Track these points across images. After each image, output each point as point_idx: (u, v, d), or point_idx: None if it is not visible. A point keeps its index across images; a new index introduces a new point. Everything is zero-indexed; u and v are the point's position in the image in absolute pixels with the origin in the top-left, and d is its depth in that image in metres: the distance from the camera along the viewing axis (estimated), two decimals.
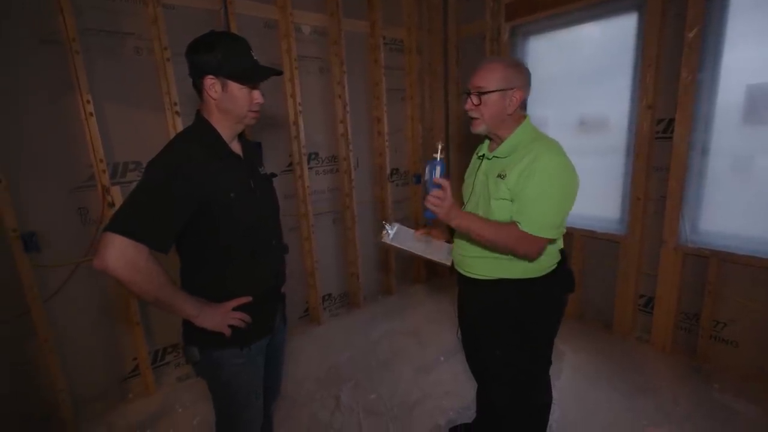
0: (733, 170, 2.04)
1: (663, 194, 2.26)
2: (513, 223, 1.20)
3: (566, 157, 1.23)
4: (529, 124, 1.31)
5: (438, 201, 1.14)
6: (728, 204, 2.08)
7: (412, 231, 1.56)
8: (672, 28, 2.11)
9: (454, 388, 2.17)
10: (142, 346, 2.14)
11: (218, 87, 1.04)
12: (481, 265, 1.34)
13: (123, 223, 0.92)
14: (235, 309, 1.11)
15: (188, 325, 1.10)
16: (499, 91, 1.22)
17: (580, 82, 2.54)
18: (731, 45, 1.95)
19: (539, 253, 1.23)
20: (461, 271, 1.43)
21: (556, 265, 1.34)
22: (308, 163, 2.76)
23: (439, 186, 1.15)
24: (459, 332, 1.62)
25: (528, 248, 1.20)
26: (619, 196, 2.47)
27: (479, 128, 1.29)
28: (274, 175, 1.34)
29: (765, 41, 1.86)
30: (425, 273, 3.67)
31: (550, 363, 1.41)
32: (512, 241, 1.18)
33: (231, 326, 1.10)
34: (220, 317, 1.09)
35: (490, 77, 1.22)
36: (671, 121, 2.18)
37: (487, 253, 1.30)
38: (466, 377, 2.21)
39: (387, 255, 3.31)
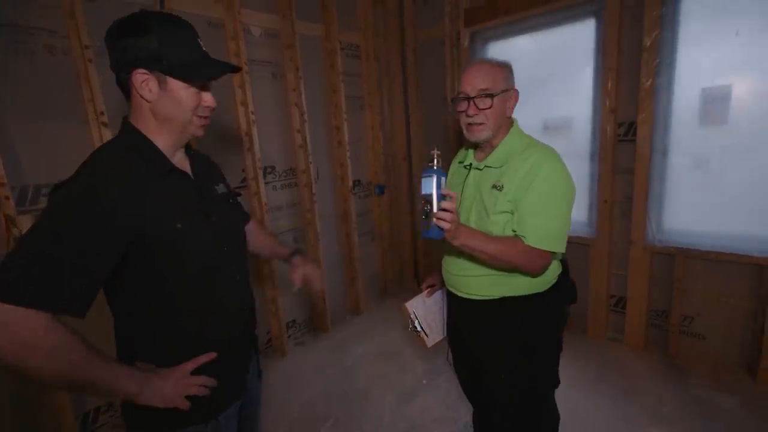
0: (692, 170, 2.12)
1: (629, 196, 2.30)
2: (517, 238, 1.08)
3: (564, 164, 1.15)
4: (518, 129, 1.23)
5: (450, 216, 0.97)
6: (689, 202, 2.16)
7: (420, 296, 1.49)
8: (630, 33, 2.16)
9: (443, 413, 2.01)
10: (67, 410, 1.74)
11: (153, 85, 0.79)
12: (482, 284, 1.21)
13: (7, 285, 0.64)
14: (194, 372, 0.86)
15: (129, 405, 0.83)
16: (504, 92, 1.12)
17: (542, 87, 2.54)
18: (685, 50, 2.03)
19: (544, 268, 1.12)
20: (456, 292, 1.29)
21: (557, 278, 1.25)
22: (264, 177, 2.49)
23: (442, 197, 0.98)
24: (450, 356, 1.49)
25: (534, 264, 1.09)
26: (587, 200, 2.49)
27: (482, 134, 1.16)
28: (237, 194, 1.10)
29: (715, 45, 1.95)
30: (394, 286, 3.52)
31: (558, 382, 1.30)
32: (517, 257, 1.07)
33: (191, 396, 0.85)
34: (173, 387, 0.82)
35: (496, 78, 1.13)
36: (632, 124, 2.24)
37: (488, 270, 1.17)
38: (454, 399, 2.07)
39: (353, 271, 3.10)
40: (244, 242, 1.07)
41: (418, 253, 3.53)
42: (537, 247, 1.06)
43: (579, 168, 2.48)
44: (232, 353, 0.95)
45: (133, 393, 0.78)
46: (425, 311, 1.47)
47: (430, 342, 1.47)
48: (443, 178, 0.99)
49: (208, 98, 0.87)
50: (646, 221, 2.25)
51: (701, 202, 2.12)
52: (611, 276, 2.48)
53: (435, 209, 0.97)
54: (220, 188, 1.02)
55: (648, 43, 2.07)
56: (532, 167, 1.09)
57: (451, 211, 0.97)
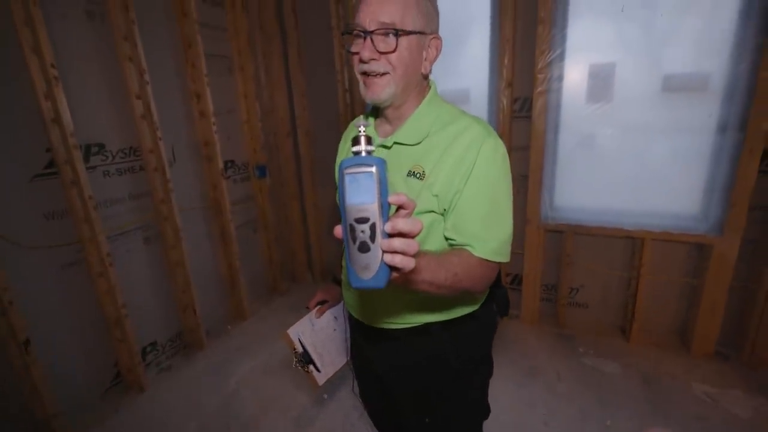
0: (580, 147, 2.15)
1: (524, 174, 2.26)
2: (462, 250, 0.79)
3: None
4: (438, 95, 0.92)
5: (412, 246, 0.53)
6: (577, 179, 2.20)
7: (307, 318, 1.17)
8: (525, 4, 2.04)
9: None
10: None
11: None
12: (402, 310, 0.91)
13: None
14: None
15: None
16: (419, 34, 0.78)
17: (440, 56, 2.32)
18: (575, 24, 1.99)
19: (490, 284, 0.87)
20: (366, 323, 0.97)
21: (489, 289, 1.02)
22: (86, 159, 1.80)
23: (388, 209, 0.53)
24: (355, 386, 1.20)
25: (483, 281, 0.82)
26: None
27: (385, 92, 0.79)
28: None
29: (603, 21, 1.94)
30: (286, 283, 3.08)
31: (489, 411, 1.10)
32: (470, 279, 0.77)
33: None
34: None
35: (408, 9, 0.75)
36: (527, 99, 2.17)
37: (414, 294, 0.86)
38: (358, 414, 1.81)
39: (231, 271, 2.58)
40: None
41: (311, 241, 3.13)
42: (491, 260, 0.79)
43: None
44: None
45: None
46: (314, 337, 1.14)
47: (322, 378, 1.15)
48: (382, 170, 0.51)
49: None
50: (540, 199, 2.24)
51: (587, 178, 2.17)
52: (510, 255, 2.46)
53: (380, 235, 0.51)
54: None
55: (543, 14, 1.98)
56: (470, 147, 0.78)
57: (411, 236, 0.53)
